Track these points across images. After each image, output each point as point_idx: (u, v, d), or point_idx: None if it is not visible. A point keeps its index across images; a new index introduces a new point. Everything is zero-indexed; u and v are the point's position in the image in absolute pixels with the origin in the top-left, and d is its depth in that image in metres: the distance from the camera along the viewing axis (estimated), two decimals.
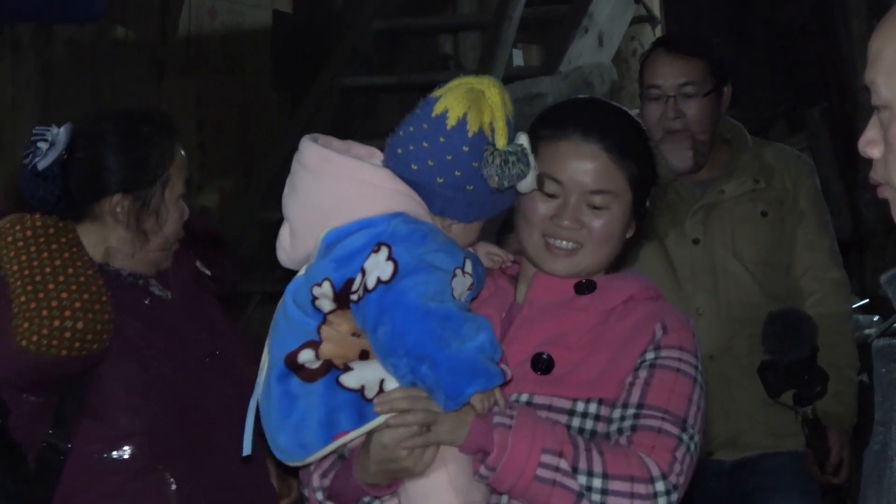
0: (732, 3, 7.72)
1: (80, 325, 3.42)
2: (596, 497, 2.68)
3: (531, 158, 2.80)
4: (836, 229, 5.10)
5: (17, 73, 6.81)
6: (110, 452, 3.60)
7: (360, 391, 2.73)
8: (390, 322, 2.69)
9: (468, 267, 2.81)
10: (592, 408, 2.84)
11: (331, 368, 2.76)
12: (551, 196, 2.88)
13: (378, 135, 8.66)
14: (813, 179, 4.96)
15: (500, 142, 2.77)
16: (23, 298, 3.45)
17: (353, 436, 2.74)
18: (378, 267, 2.71)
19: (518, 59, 9.07)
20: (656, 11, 9.32)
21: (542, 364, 2.86)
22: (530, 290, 2.96)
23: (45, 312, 3.42)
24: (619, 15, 8.79)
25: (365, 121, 9.02)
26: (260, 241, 7.34)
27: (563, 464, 2.69)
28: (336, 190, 2.82)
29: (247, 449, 2.92)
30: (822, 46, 8.81)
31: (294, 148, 8.75)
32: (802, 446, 4.73)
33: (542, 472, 2.68)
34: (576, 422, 2.82)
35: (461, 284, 2.78)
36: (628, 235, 2.99)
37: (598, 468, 2.70)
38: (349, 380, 2.74)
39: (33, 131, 3.53)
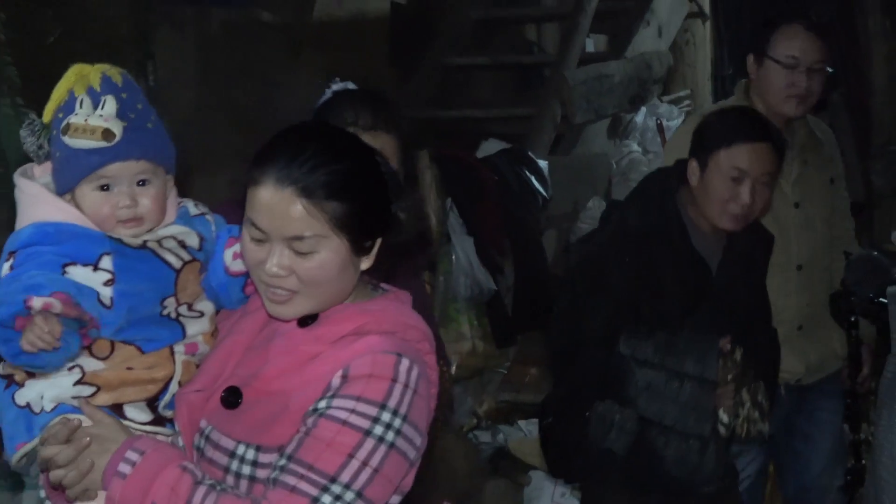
0: (773, 3, 7.63)
1: None
2: None
3: (97, 119, 2.41)
4: (850, 192, 5.15)
5: (181, 47, 6.83)
6: None
7: (28, 407, 2.41)
8: None
9: (105, 264, 2.39)
10: (250, 454, 2.31)
11: (12, 384, 2.44)
12: (259, 241, 2.34)
13: (470, 105, 8.75)
14: (834, 149, 4.95)
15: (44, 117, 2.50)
16: None
17: (26, 449, 2.41)
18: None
19: (590, 46, 9.00)
20: (706, 9, 9.25)
21: (229, 399, 2.36)
22: (271, 319, 2.45)
23: None
24: (676, 10, 8.80)
25: (460, 93, 9.01)
26: None
27: None
28: (19, 205, 2.52)
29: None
30: (843, 40, 8.69)
31: (404, 115, 8.81)
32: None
33: None
34: (234, 465, 2.32)
35: (90, 278, 2.38)
36: (364, 267, 2.40)
37: None
38: (19, 397, 2.41)
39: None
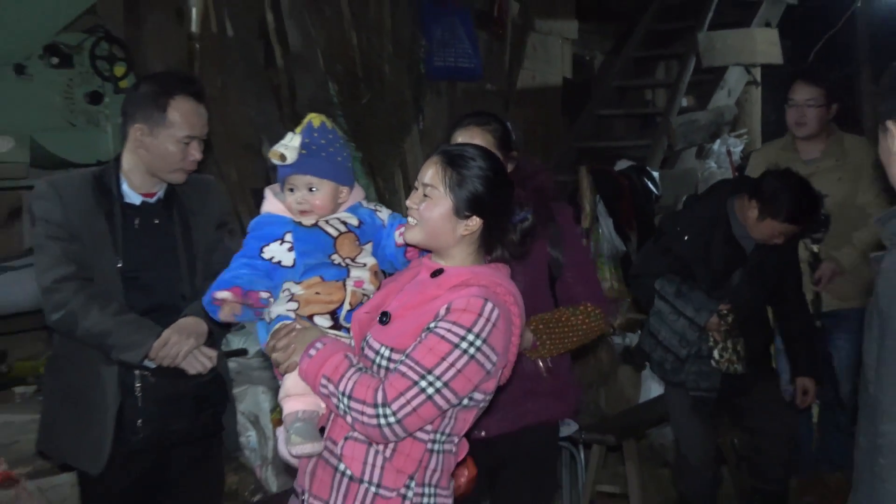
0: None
1: None
2: (345, 409, 2.22)
3: (282, 147, 2.36)
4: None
5: (436, 108, 6.96)
6: None
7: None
8: None
9: (288, 238, 2.38)
10: (386, 352, 2.26)
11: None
12: (415, 189, 2.34)
13: (611, 138, 8.68)
14: (870, 157, 4.35)
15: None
16: None
17: (267, 347, 2.41)
18: None
19: (684, 102, 8.91)
20: (758, 78, 9.06)
21: (382, 318, 2.31)
22: (418, 271, 2.39)
23: None
24: (739, 80, 8.68)
25: (605, 131, 8.95)
26: None
27: (331, 386, 2.24)
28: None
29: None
30: (843, 88, 8.38)
31: (572, 145, 8.73)
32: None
33: (321, 389, 2.26)
34: (378, 359, 2.27)
35: (278, 249, 2.37)
36: (462, 232, 2.30)
37: (347, 391, 2.21)
38: (266, 316, 2.40)
39: None
